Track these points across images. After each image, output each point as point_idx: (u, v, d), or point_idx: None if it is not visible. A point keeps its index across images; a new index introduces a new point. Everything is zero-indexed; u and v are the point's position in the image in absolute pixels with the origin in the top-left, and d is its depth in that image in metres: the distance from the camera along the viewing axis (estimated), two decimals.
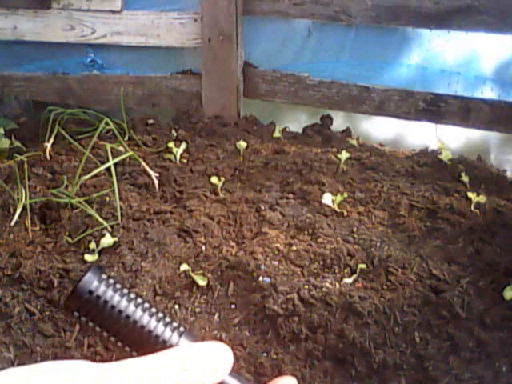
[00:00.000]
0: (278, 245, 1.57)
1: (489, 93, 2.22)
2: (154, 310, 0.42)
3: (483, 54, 2.20)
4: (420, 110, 2.23)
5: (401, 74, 2.33)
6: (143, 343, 0.41)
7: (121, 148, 1.95)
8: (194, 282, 1.45)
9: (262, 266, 1.48)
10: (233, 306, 1.41)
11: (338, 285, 1.43)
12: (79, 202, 1.72)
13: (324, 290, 1.39)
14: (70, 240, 1.62)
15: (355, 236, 1.62)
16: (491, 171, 2.05)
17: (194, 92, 2.49)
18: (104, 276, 0.41)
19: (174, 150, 2.06)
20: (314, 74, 2.35)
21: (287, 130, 2.42)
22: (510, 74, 2.19)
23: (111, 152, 1.77)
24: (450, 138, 2.26)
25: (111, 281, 0.41)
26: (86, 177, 1.78)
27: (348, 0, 2.19)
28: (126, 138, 2.21)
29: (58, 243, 1.63)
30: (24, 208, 1.71)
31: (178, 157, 2.06)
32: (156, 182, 1.87)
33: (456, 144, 2.29)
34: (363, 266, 1.47)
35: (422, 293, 1.41)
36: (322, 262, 1.51)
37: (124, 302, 0.40)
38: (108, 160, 1.75)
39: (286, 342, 1.31)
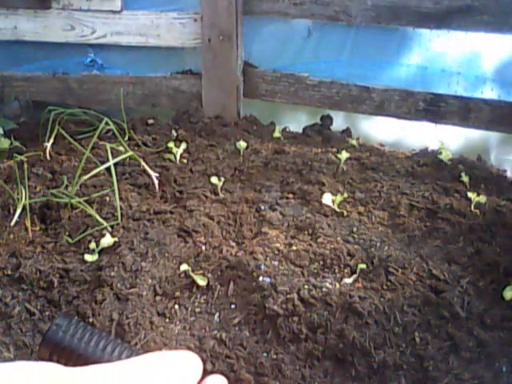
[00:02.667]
0: (278, 245, 1.57)
1: (489, 93, 2.23)
2: (115, 345, 0.45)
3: (483, 54, 2.20)
4: (420, 110, 2.23)
5: (401, 73, 2.33)
6: None
7: (121, 148, 1.95)
8: (193, 281, 1.45)
9: (262, 266, 1.48)
10: (233, 306, 1.41)
11: (338, 285, 1.43)
12: (79, 202, 1.72)
13: (324, 290, 1.39)
14: (69, 240, 1.62)
15: (355, 236, 1.62)
16: (491, 171, 2.05)
17: (194, 92, 2.49)
18: (69, 324, 0.45)
19: (174, 150, 2.06)
20: (313, 74, 2.35)
21: (287, 129, 2.42)
22: (510, 74, 2.19)
23: (111, 152, 1.77)
24: (449, 138, 2.26)
25: (73, 327, 0.45)
26: (86, 177, 1.78)
27: (348, 0, 2.19)
28: (126, 138, 2.21)
29: (58, 243, 1.63)
30: (24, 208, 1.71)
31: (178, 157, 2.06)
32: (156, 182, 1.87)
33: (456, 144, 2.29)
34: (363, 266, 1.47)
35: (422, 293, 1.41)
36: (321, 262, 1.51)
37: (89, 348, 0.44)
38: (108, 160, 1.75)
39: (286, 342, 1.31)
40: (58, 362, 0.43)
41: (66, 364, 0.42)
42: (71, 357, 0.43)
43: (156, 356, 0.40)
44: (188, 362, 0.41)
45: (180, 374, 0.40)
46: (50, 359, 0.44)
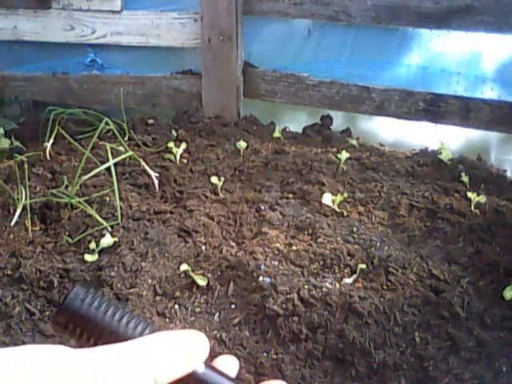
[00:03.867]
0: (278, 245, 1.57)
1: (489, 93, 2.22)
2: (132, 317, 0.44)
3: (483, 54, 2.20)
4: (420, 109, 2.23)
5: (401, 73, 2.33)
6: None
7: (121, 148, 1.95)
8: (194, 281, 1.45)
9: (262, 266, 1.48)
10: (233, 306, 1.41)
11: (338, 285, 1.43)
12: (79, 202, 1.72)
13: (324, 290, 1.39)
14: (69, 240, 1.62)
15: (355, 236, 1.62)
16: (491, 171, 2.05)
17: (194, 92, 2.49)
18: (88, 293, 0.44)
19: (174, 150, 2.06)
20: (313, 74, 2.35)
21: (287, 129, 2.42)
22: (510, 74, 2.19)
23: (111, 152, 1.77)
24: (450, 138, 2.26)
25: (93, 297, 0.44)
26: (86, 177, 1.78)
27: (348, 0, 2.19)
28: (126, 138, 2.21)
29: (58, 243, 1.63)
30: (24, 208, 1.71)
31: (178, 157, 2.06)
32: (156, 182, 1.87)
33: (456, 144, 2.29)
34: (363, 266, 1.47)
35: (421, 293, 1.41)
36: (322, 262, 1.51)
37: (106, 318, 0.43)
38: (108, 160, 1.75)
39: (286, 342, 1.31)
40: (73, 330, 0.43)
41: (81, 333, 0.43)
42: (87, 326, 0.43)
43: (163, 336, 0.41)
44: (195, 340, 0.42)
45: (187, 352, 0.41)
46: (65, 327, 0.43)
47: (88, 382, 0.35)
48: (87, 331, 0.43)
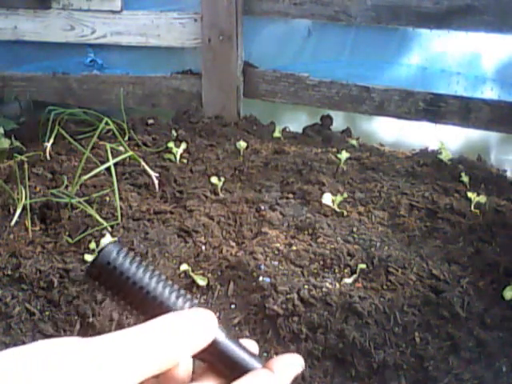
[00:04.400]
0: (278, 245, 1.57)
1: (489, 93, 2.22)
2: (168, 282, 0.44)
3: (483, 54, 2.20)
4: (420, 109, 2.23)
5: (401, 73, 2.33)
6: (155, 313, 0.43)
7: (121, 148, 1.95)
8: (194, 282, 1.45)
9: (262, 266, 1.48)
10: (233, 306, 1.41)
11: (338, 285, 1.43)
12: (79, 202, 1.72)
13: (324, 289, 1.39)
14: (70, 240, 1.62)
15: (355, 236, 1.62)
16: (491, 171, 2.05)
17: (194, 92, 2.49)
18: (123, 249, 0.44)
19: (174, 150, 2.06)
20: (313, 74, 2.35)
21: (287, 129, 2.42)
22: (510, 74, 2.19)
23: (111, 152, 1.77)
24: (450, 138, 2.26)
25: (129, 254, 0.44)
26: (86, 177, 1.78)
27: (348, 0, 2.19)
28: (126, 138, 2.21)
29: (58, 243, 1.63)
30: (24, 208, 1.71)
31: (178, 157, 2.06)
32: (156, 182, 1.87)
33: (456, 144, 2.29)
34: (363, 266, 1.47)
35: (422, 293, 1.41)
36: (322, 262, 1.51)
37: (139, 274, 0.43)
38: (108, 160, 1.75)
39: (286, 342, 1.31)
40: (104, 283, 0.43)
41: (111, 287, 0.43)
42: (119, 279, 0.43)
43: (171, 318, 0.41)
44: (203, 319, 0.42)
45: (196, 331, 0.41)
46: (97, 278, 0.43)
47: (108, 372, 0.35)
48: (122, 291, 0.43)
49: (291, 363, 0.46)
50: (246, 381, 0.43)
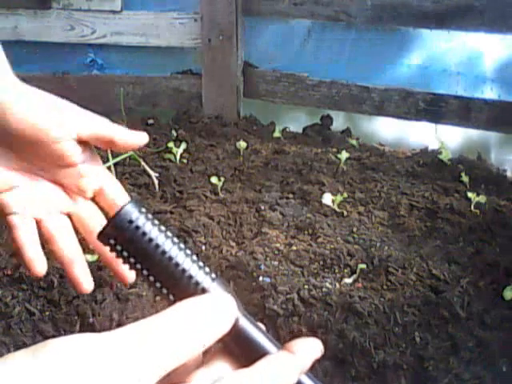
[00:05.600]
0: (278, 245, 1.57)
1: (489, 93, 2.22)
2: (189, 251, 0.41)
3: (483, 54, 2.20)
4: (420, 109, 2.23)
5: (401, 73, 2.33)
6: (176, 281, 0.40)
7: None
8: None
9: (262, 266, 1.48)
10: None
11: (338, 285, 1.43)
12: None
13: (324, 290, 1.39)
14: None
15: (355, 236, 1.62)
16: (491, 171, 2.05)
17: (193, 92, 2.49)
18: (144, 209, 0.39)
19: (174, 150, 2.06)
20: (313, 74, 2.35)
21: (287, 129, 2.42)
22: (510, 74, 2.19)
23: (111, 152, 1.77)
24: (450, 138, 2.26)
25: (150, 215, 0.39)
26: None
27: (348, 0, 2.19)
28: None
29: None
30: None
31: (178, 157, 2.06)
32: (156, 182, 1.87)
33: (456, 144, 2.29)
34: (363, 266, 1.47)
35: (422, 293, 1.41)
36: (322, 262, 1.51)
37: (162, 237, 0.39)
38: (108, 160, 1.75)
39: (286, 342, 1.31)
40: (124, 245, 0.39)
41: (131, 250, 0.39)
42: (141, 241, 0.38)
43: (192, 306, 0.39)
44: (224, 304, 0.40)
45: (219, 319, 0.39)
46: (117, 240, 0.38)
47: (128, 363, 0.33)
48: (144, 255, 0.38)
49: (311, 346, 0.44)
50: (266, 363, 0.40)
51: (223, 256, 1.53)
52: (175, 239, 0.40)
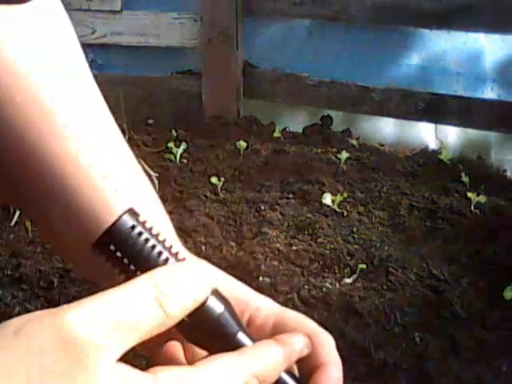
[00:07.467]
0: (278, 245, 1.57)
1: (489, 93, 2.22)
2: (180, 254, 0.37)
3: (483, 54, 2.20)
4: (420, 109, 2.23)
5: (401, 73, 2.32)
6: None
7: None
8: None
9: (262, 266, 1.48)
10: None
11: (338, 285, 1.43)
12: None
13: (324, 290, 1.39)
14: None
15: (355, 236, 1.62)
16: (491, 171, 2.05)
17: (194, 92, 2.49)
18: (141, 218, 0.37)
19: (174, 150, 2.06)
20: (313, 74, 2.35)
21: (287, 129, 2.41)
22: (510, 74, 2.19)
23: None
24: (450, 138, 2.26)
25: (148, 224, 0.37)
26: None
27: (348, 0, 2.19)
28: (126, 138, 2.20)
29: None
30: None
31: (178, 157, 2.06)
32: (156, 182, 1.87)
33: (456, 144, 2.29)
34: (363, 266, 1.47)
35: (421, 293, 1.41)
36: (321, 262, 1.51)
37: (161, 245, 0.36)
38: None
39: None
40: (125, 252, 0.36)
41: (132, 257, 0.36)
42: (144, 247, 0.36)
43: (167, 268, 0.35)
44: (202, 268, 0.35)
45: (196, 280, 0.34)
46: (118, 246, 0.36)
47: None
48: (146, 262, 0.35)
49: (299, 340, 0.37)
50: (249, 350, 0.35)
51: (223, 256, 1.53)
52: (170, 246, 0.37)
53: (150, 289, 0.32)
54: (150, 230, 0.37)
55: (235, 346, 0.36)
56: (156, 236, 0.37)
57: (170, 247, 0.37)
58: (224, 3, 2.29)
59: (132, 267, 0.36)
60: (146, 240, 0.36)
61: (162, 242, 0.37)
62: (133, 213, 0.37)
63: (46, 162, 0.41)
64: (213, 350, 0.35)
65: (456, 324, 1.34)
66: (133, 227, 0.36)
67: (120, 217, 0.36)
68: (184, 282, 0.33)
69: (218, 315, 0.36)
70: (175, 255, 0.37)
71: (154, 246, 0.36)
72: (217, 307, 0.36)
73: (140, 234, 0.36)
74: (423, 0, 2.09)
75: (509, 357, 1.28)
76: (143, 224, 0.37)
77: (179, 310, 0.32)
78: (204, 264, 0.40)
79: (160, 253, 0.36)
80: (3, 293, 1.44)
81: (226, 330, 0.36)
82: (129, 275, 0.37)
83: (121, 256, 0.36)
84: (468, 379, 1.23)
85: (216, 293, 0.36)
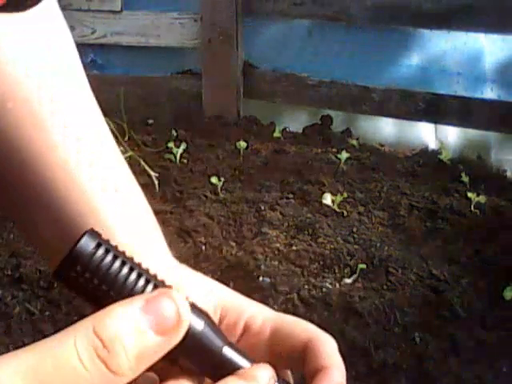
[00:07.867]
0: (278, 245, 1.57)
1: (489, 93, 2.22)
2: (147, 278, 0.33)
3: (483, 54, 2.20)
4: (420, 109, 2.23)
5: (401, 73, 2.32)
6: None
7: (120, 148, 1.95)
8: None
9: (262, 266, 1.48)
10: None
11: (338, 285, 1.43)
12: None
13: (324, 290, 1.39)
14: None
15: (355, 236, 1.62)
16: (491, 171, 2.05)
17: (194, 92, 2.49)
18: (103, 237, 0.33)
19: (174, 150, 2.06)
20: (313, 74, 2.35)
21: (287, 129, 2.41)
22: (510, 74, 2.19)
23: None
24: (450, 138, 2.26)
25: (109, 241, 0.33)
26: None
27: (348, 0, 2.19)
28: (126, 138, 2.21)
29: None
30: None
31: (178, 157, 2.06)
32: (156, 182, 1.87)
33: (456, 144, 2.29)
34: (363, 266, 1.47)
35: (421, 293, 1.41)
36: (321, 262, 1.51)
37: (129, 263, 0.33)
38: None
39: None
40: (93, 274, 0.31)
41: (101, 279, 0.31)
42: (111, 268, 0.31)
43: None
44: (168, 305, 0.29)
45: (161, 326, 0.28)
46: (85, 269, 0.31)
47: None
48: (107, 284, 0.31)
49: (266, 373, 0.34)
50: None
51: (223, 256, 1.53)
52: (138, 270, 0.33)
53: (89, 340, 0.26)
54: (115, 249, 0.33)
55: (222, 361, 0.34)
56: (123, 254, 0.33)
57: (140, 265, 0.33)
58: (224, 3, 2.29)
59: (104, 287, 0.32)
60: (115, 256, 0.32)
61: (131, 261, 0.33)
62: (92, 232, 0.33)
63: (38, 169, 0.40)
64: (199, 369, 0.34)
65: (456, 324, 1.34)
66: (99, 244, 0.32)
67: (80, 237, 0.32)
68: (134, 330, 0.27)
69: (200, 333, 0.32)
70: (147, 274, 0.33)
71: (123, 263, 0.32)
72: (197, 324, 0.32)
73: (107, 251, 0.32)
74: (423, 0, 2.09)
75: (509, 357, 1.28)
76: (104, 241, 0.33)
77: (130, 366, 0.27)
78: (173, 289, 0.32)
79: (132, 268, 0.32)
80: (3, 293, 1.44)
81: (210, 348, 0.33)
82: (98, 295, 0.32)
83: (90, 276, 0.32)
84: (468, 379, 1.24)
85: (193, 306, 0.33)
